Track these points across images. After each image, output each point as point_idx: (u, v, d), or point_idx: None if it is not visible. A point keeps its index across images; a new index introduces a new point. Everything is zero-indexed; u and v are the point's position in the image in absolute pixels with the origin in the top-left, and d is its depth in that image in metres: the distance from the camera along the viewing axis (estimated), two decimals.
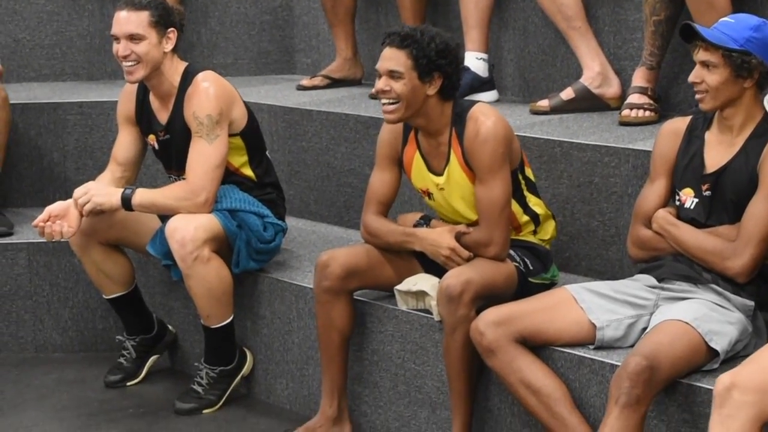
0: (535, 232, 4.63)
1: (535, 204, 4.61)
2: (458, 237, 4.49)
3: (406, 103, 4.49)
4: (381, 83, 4.53)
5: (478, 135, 4.41)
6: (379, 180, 4.74)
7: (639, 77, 5.25)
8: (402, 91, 4.44)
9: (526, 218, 4.58)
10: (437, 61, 4.45)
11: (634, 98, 5.21)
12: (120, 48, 5.03)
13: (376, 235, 4.69)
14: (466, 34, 5.90)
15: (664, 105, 5.20)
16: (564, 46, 5.65)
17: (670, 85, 5.26)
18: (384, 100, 4.54)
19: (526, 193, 4.58)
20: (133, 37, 5.01)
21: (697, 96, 4.05)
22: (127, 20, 5.03)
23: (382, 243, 4.69)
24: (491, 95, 5.56)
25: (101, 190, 5.05)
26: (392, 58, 4.51)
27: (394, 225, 4.71)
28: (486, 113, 4.46)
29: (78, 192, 5.04)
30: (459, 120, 4.50)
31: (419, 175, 4.65)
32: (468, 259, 4.47)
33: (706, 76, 4.00)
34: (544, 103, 5.51)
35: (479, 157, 4.42)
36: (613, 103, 5.52)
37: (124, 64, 5.05)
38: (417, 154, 4.63)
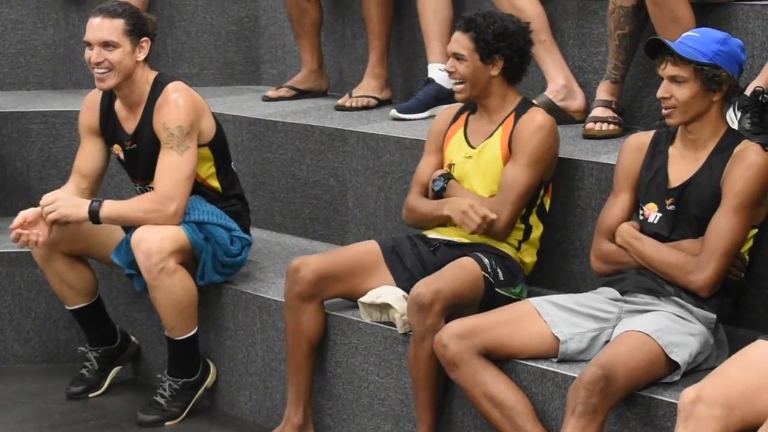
0: (518, 248, 4.68)
1: (535, 223, 4.70)
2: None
3: (471, 83, 4.73)
4: (448, 64, 4.78)
5: (534, 121, 4.60)
6: (426, 165, 4.90)
7: (603, 91, 5.26)
8: (465, 73, 4.68)
9: (521, 225, 4.66)
10: (495, 44, 4.65)
11: (598, 112, 5.23)
12: (93, 55, 5.02)
13: (413, 209, 4.85)
14: (427, 47, 5.97)
15: (627, 118, 5.24)
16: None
17: (634, 99, 5.29)
18: (453, 80, 4.79)
19: (533, 211, 4.68)
20: (107, 45, 5.01)
21: (665, 111, 4.08)
22: (100, 27, 5.04)
23: (418, 215, 4.85)
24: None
25: (68, 201, 5.03)
26: (457, 41, 4.74)
27: (426, 202, 4.80)
28: (545, 114, 4.67)
29: (45, 199, 5.03)
30: (522, 110, 4.66)
31: (455, 146, 4.81)
32: (483, 219, 4.53)
33: (675, 90, 4.03)
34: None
35: (527, 139, 4.58)
36: (577, 116, 5.55)
37: (96, 71, 5.05)
38: (460, 131, 4.80)
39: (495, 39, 4.62)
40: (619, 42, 5.14)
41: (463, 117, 4.85)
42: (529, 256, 4.76)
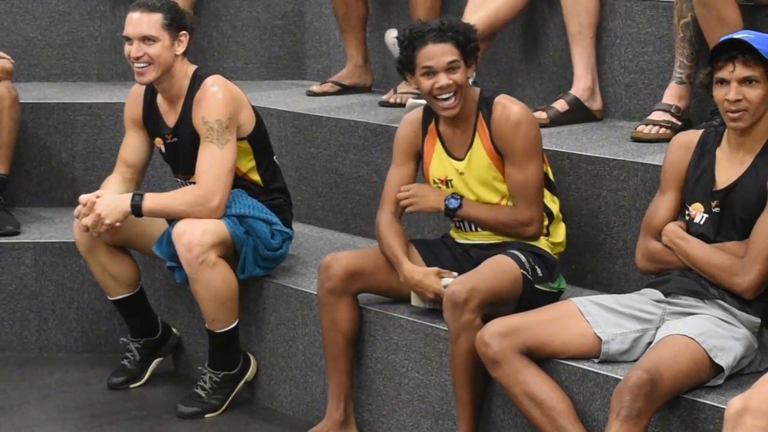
0: (547, 234, 4.65)
1: (551, 201, 4.65)
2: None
3: (463, 91, 4.56)
4: (442, 80, 4.52)
5: (509, 119, 4.50)
6: (397, 177, 4.78)
7: (667, 94, 5.19)
8: (462, 80, 4.51)
9: (528, 229, 4.60)
10: (476, 45, 4.56)
11: (655, 115, 5.16)
12: (132, 49, 5.06)
13: (379, 239, 4.73)
14: None
15: (695, 122, 5.12)
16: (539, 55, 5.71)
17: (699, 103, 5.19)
18: (444, 96, 4.53)
19: (545, 190, 4.62)
20: (146, 39, 5.04)
21: (736, 114, 4.00)
22: (140, 21, 5.06)
23: (383, 247, 4.72)
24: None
25: (109, 207, 5.00)
26: (446, 52, 4.52)
27: (394, 240, 4.69)
28: (511, 100, 4.56)
29: (85, 198, 5.04)
30: (485, 105, 4.55)
31: (440, 163, 4.69)
32: (435, 294, 4.52)
33: (748, 92, 3.97)
34: (542, 115, 5.46)
35: (513, 140, 4.50)
36: (598, 114, 5.57)
37: (136, 65, 5.08)
38: (438, 143, 4.67)
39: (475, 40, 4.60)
40: (683, 34, 5.07)
41: (432, 129, 4.75)
42: (558, 235, 4.73)
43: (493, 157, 4.54)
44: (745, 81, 3.95)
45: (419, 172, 4.78)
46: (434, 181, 4.75)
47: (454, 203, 4.62)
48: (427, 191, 4.71)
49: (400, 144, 4.79)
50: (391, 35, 5.65)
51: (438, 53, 4.50)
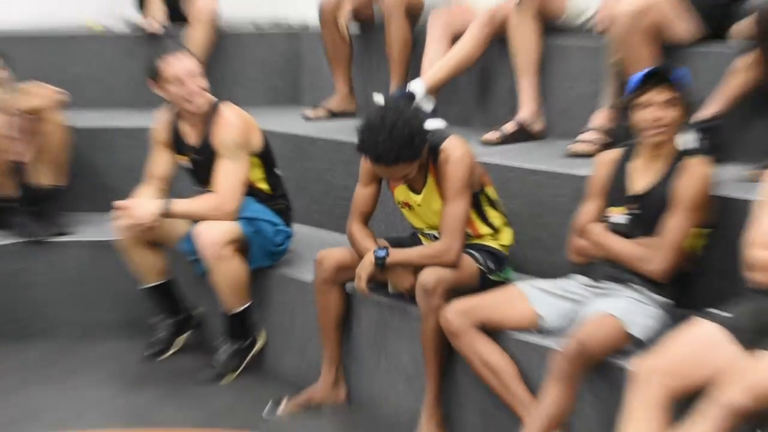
0: (496, 239, 4.64)
1: (493, 217, 4.63)
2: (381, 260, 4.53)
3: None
4: (398, 182, 4.60)
5: (448, 163, 4.41)
6: (362, 195, 4.73)
7: (596, 118, 5.21)
8: (414, 172, 4.44)
9: (485, 228, 4.61)
10: (421, 147, 4.38)
11: (585, 135, 5.18)
12: (192, 85, 5.09)
13: (353, 244, 4.71)
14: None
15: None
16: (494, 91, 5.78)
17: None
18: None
19: (486, 208, 4.60)
20: (194, 74, 5.10)
21: (658, 131, 4.07)
22: (190, 63, 5.14)
23: (354, 250, 4.71)
24: (439, 122, 5.52)
25: (144, 210, 5.06)
26: (396, 171, 4.41)
27: (365, 242, 4.66)
28: (455, 146, 4.46)
29: (120, 203, 5.10)
30: (434, 152, 4.47)
31: (402, 192, 4.64)
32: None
33: (668, 113, 4.04)
34: (494, 135, 5.50)
35: (448, 180, 4.43)
36: (540, 135, 5.58)
37: (195, 98, 5.12)
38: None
39: (420, 143, 4.36)
40: (612, 69, 5.09)
41: None
42: (506, 238, 4.68)
43: (439, 193, 4.50)
44: (664, 103, 4.03)
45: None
46: (398, 201, 4.70)
47: (381, 254, 4.55)
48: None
49: (366, 170, 4.69)
50: (378, 97, 5.71)
51: (388, 172, 4.45)
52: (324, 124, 6.29)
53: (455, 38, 5.79)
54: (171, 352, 5.59)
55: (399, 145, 4.27)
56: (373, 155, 4.36)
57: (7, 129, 5.91)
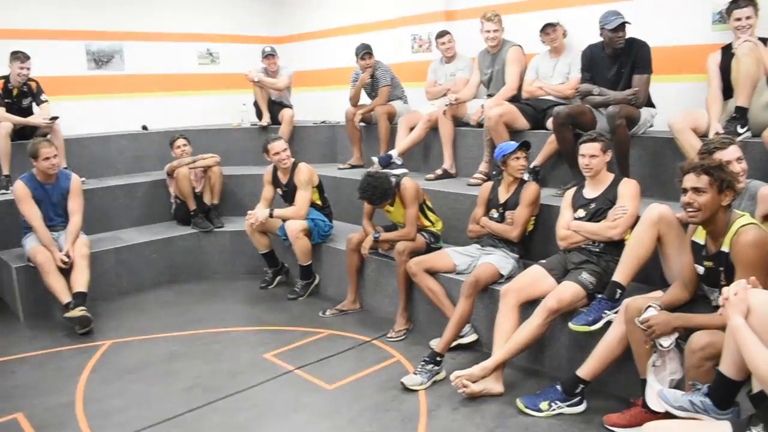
0: (434, 225, 4.56)
1: (431, 216, 4.56)
2: (377, 239, 4.47)
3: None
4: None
5: (406, 191, 4.36)
6: (367, 207, 4.58)
7: (481, 167, 5.13)
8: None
9: (427, 221, 4.52)
10: (391, 194, 4.35)
11: (476, 175, 5.08)
12: (284, 155, 5.07)
13: (363, 229, 4.62)
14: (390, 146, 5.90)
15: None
16: (431, 153, 5.63)
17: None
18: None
19: (426, 211, 4.54)
20: (285, 149, 5.09)
21: (519, 172, 4.04)
22: (282, 144, 5.10)
23: (364, 233, 4.61)
24: (403, 170, 5.31)
25: (259, 213, 5.08)
26: (383, 205, 4.41)
27: (368, 229, 4.57)
28: (408, 182, 4.38)
29: (250, 213, 5.10)
30: (398, 185, 4.41)
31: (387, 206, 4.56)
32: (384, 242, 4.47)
33: (522, 162, 4.04)
34: (431, 176, 5.40)
35: (406, 198, 4.37)
36: (454, 174, 5.44)
37: (286, 161, 5.09)
38: None
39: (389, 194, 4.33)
40: (486, 141, 5.01)
41: None
42: (438, 227, 4.55)
43: (402, 206, 4.42)
44: (523, 158, 4.01)
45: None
46: (387, 210, 4.51)
47: (376, 235, 4.48)
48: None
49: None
50: (374, 158, 5.68)
51: (377, 206, 4.45)
52: (348, 172, 6.21)
53: (411, 128, 5.81)
54: (273, 285, 5.52)
55: (379, 197, 4.33)
56: (368, 201, 4.41)
57: (192, 176, 5.90)
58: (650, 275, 3.39)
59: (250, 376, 3.78)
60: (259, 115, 7.06)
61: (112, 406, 3.46)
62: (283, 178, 5.24)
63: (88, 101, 7.06)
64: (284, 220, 5.12)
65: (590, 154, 3.60)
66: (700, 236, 2.83)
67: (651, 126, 4.45)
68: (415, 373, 3.60)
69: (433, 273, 4.19)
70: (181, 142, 5.99)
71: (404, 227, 4.46)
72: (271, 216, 5.11)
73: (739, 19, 4.05)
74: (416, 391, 3.51)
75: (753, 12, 4.04)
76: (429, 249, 4.43)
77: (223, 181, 6.10)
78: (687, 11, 4.76)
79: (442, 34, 5.86)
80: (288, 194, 5.25)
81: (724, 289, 2.23)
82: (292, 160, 5.21)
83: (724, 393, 2.35)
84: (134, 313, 4.96)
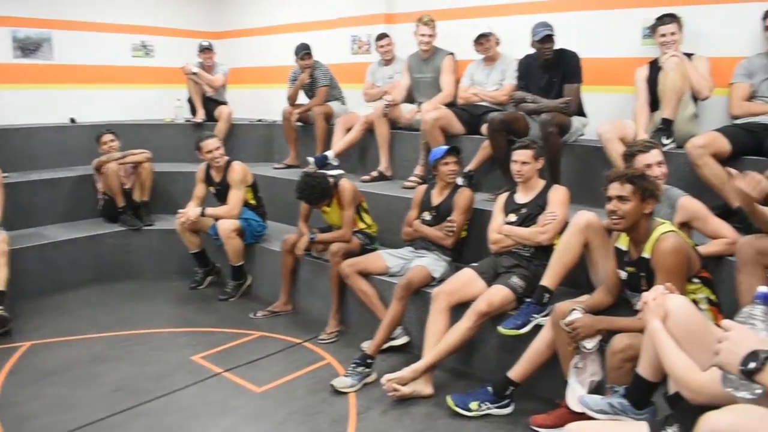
0: (369, 227, 4.57)
1: (366, 218, 4.57)
2: (313, 240, 4.46)
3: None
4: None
5: (344, 192, 4.36)
6: (304, 207, 4.57)
7: (416, 170, 5.17)
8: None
9: (363, 223, 4.53)
10: (329, 194, 4.38)
11: (411, 179, 5.11)
12: (218, 154, 5.02)
13: (299, 230, 4.59)
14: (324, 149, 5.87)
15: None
16: (368, 155, 5.64)
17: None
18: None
19: (362, 213, 4.54)
20: (218, 147, 5.02)
21: (449, 176, 4.09)
22: (215, 142, 5.05)
23: (300, 233, 4.58)
24: (340, 171, 5.38)
25: (190, 212, 5.01)
26: (321, 206, 4.41)
27: (304, 229, 4.55)
28: (346, 183, 4.39)
29: (183, 212, 5.02)
30: (336, 186, 4.41)
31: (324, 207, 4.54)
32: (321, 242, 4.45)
33: (454, 167, 4.09)
34: (367, 177, 5.40)
35: (343, 200, 4.38)
36: (390, 177, 5.46)
37: (219, 159, 5.04)
38: None
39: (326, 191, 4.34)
40: (423, 145, 5.05)
41: None
42: (374, 228, 4.56)
43: (339, 207, 4.43)
44: (454, 163, 4.05)
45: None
46: (323, 211, 4.50)
47: (312, 236, 4.47)
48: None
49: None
50: (310, 159, 5.64)
51: (314, 206, 4.45)
52: (284, 171, 6.15)
53: (348, 130, 5.80)
54: (203, 285, 5.43)
55: (317, 197, 4.33)
56: (305, 201, 4.41)
57: (122, 172, 5.75)
58: (578, 280, 3.47)
59: (177, 378, 3.70)
60: (194, 111, 6.92)
61: (30, 410, 3.33)
62: (216, 177, 5.17)
63: (12, 91, 6.75)
64: (216, 219, 5.02)
65: (522, 160, 3.68)
66: (623, 243, 2.93)
67: (582, 134, 4.59)
68: (346, 376, 3.59)
69: (366, 275, 4.18)
70: (108, 137, 5.81)
71: (340, 228, 4.44)
72: (203, 215, 5.01)
73: (664, 35, 4.23)
74: (346, 393, 3.50)
75: (677, 28, 4.23)
76: (364, 251, 4.42)
77: (154, 177, 5.94)
78: (618, 26, 4.93)
79: (381, 37, 5.88)
80: (221, 193, 5.17)
81: (643, 294, 2.32)
82: (226, 158, 5.15)
83: (641, 394, 2.44)
84: (57, 314, 4.79)
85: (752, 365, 1.29)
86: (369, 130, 5.69)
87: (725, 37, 4.36)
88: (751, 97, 4.03)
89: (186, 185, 5.83)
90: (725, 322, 1.46)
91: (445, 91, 5.31)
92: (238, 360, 3.93)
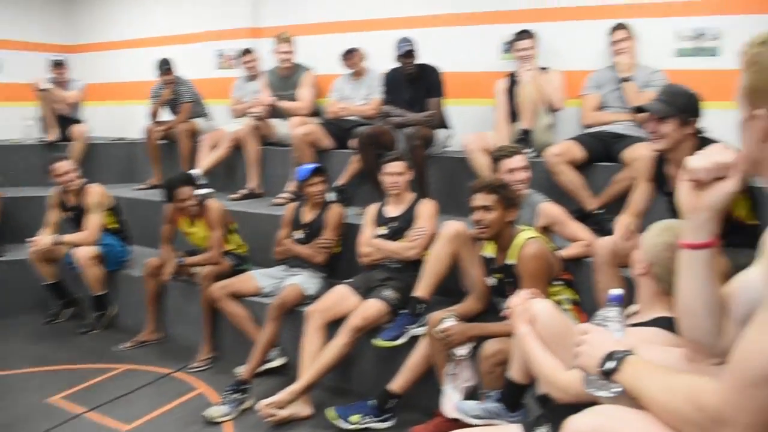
0: (238, 248, 4.45)
1: (236, 238, 4.48)
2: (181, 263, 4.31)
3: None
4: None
5: (212, 212, 4.27)
6: (167, 229, 4.42)
7: (287, 186, 5.05)
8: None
9: (232, 244, 4.41)
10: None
11: (282, 195, 5.02)
12: (71, 176, 4.77)
13: (163, 255, 4.41)
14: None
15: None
16: (236, 173, 5.51)
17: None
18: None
19: (232, 233, 4.43)
20: (73, 170, 4.77)
21: (317, 195, 4.05)
22: (69, 164, 4.80)
23: (165, 258, 4.41)
24: (208, 189, 5.13)
25: (43, 240, 4.69)
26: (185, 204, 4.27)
27: (169, 255, 4.36)
28: (213, 203, 4.32)
29: (36, 240, 4.70)
30: (202, 205, 4.30)
31: (185, 225, 4.41)
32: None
33: (321, 186, 4.06)
34: (236, 195, 5.24)
35: (211, 220, 4.28)
36: (259, 195, 5.31)
37: (74, 182, 4.79)
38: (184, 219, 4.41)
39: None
40: (294, 163, 5.05)
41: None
42: (243, 249, 4.46)
43: (206, 227, 4.31)
44: (320, 182, 4.00)
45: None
46: (183, 231, 4.37)
47: (180, 260, 4.30)
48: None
49: (167, 213, 4.41)
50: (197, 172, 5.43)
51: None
52: (147, 192, 5.89)
53: (214, 147, 5.64)
54: (62, 319, 5.08)
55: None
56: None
57: None
58: (452, 288, 3.54)
59: (30, 426, 3.38)
60: (46, 130, 6.48)
61: None
62: (71, 201, 4.89)
63: None
64: (72, 246, 4.73)
65: (397, 172, 3.74)
66: (489, 250, 3.04)
67: (447, 146, 4.73)
68: (220, 404, 3.45)
69: (238, 297, 4.07)
70: None
71: (207, 251, 4.28)
72: (58, 242, 4.67)
73: (520, 50, 4.46)
74: (221, 423, 3.37)
75: (533, 44, 4.50)
76: (234, 272, 4.29)
77: (3, 203, 5.51)
78: (478, 41, 5.16)
79: (246, 52, 5.81)
80: (77, 218, 4.88)
81: (509, 300, 2.37)
82: (81, 180, 4.86)
83: (513, 396, 2.52)
84: None
85: (610, 366, 1.33)
86: (236, 147, 5.56)
87: (576, 51, 4.69)
88: (601, 107, 4.31)
89: (38, 211, 5.42)
90: (582, 326, 1.52)
91: (300, 102, 5.31)
92: (102, 397, 3.68)
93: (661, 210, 2.95)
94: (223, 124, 5.93)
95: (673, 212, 2.73)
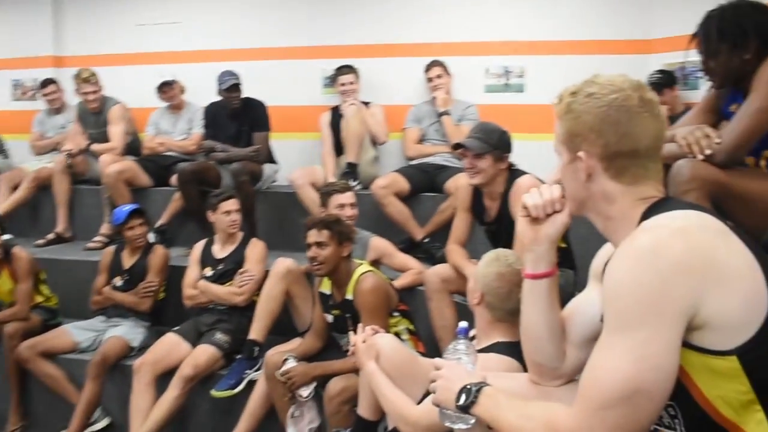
0: (47, 300, 3.98)
1: (44, 290, 4.01)
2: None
3: None
4: None
5: (20, 262, 3.83)
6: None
7: (102, 228, 4.62)
8: None
9: (40, 297, 3.95)
10: None
11: (96, 238, 4.56)
12: None
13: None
14: None
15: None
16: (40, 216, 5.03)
17: None
18: None
19: (40, 285, 3.99)
20: None
21: (138, 240, 3.80)
22: None
23: None
24: (8, 236, 4.26)
25: None
26: None
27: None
28: (20, 252, 3.89)
29: None
30: (8, 256, 3.83)
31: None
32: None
33: (142, 229, 3.82)
34: (41, 242, 4.68)
35: (19, 271, 3.83)
36: (69, 240, 4.80)
37: None
38: None
39: None
40: (107, 202, 4.70)
41: None
42: (54, 301, 4.02)
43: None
44: (139, 225, 3.76)
45: None
46: None
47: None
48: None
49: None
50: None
51: None
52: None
53: (14, 188, 5.07)
54: None
55: None
56: None
57: None
58: (286, 326, 3.50)
59: None
60: None
61: None
62: None
63: None
64: None
65: (235, 209, 3.64)
66: (326, 287, 3.04)
67: (274, 181, 4.71)
68: None
69: (51, 355, 3.73)
70: None
71: (12, 305, 3.86)
72: None
73: (343, 84, 4.62)
74: None
75: (355, 78, 4.66)
76: (45, 327, 3.93)
77: None
78: (301, 75, 5.23)
79: (46, 83, 5.35)
80: None
81: (352, 337, 2.40)
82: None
83: None
84: None
85: (466, 400, 1.36)
86: (39, 187, 5.05)
87: (396, 87, 4.94)
88: (422, 140, 4.54)
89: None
90: (436, 361, 1.55)
91: (114, 143, 4.91)
92: None
93: (482, 238, 3.14)
94: (23, 161, 5.38)
95: (494, 242, 2.94)
